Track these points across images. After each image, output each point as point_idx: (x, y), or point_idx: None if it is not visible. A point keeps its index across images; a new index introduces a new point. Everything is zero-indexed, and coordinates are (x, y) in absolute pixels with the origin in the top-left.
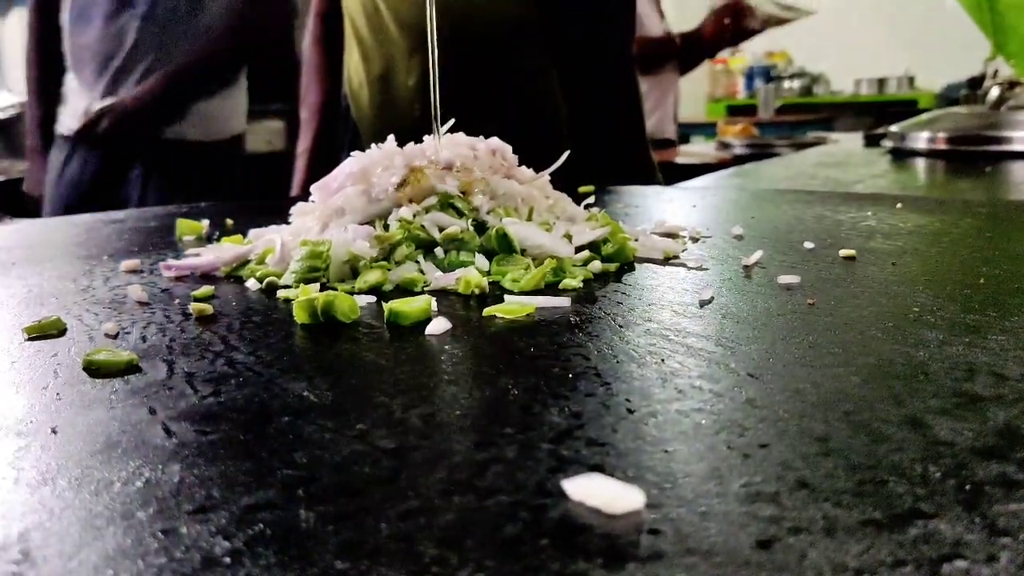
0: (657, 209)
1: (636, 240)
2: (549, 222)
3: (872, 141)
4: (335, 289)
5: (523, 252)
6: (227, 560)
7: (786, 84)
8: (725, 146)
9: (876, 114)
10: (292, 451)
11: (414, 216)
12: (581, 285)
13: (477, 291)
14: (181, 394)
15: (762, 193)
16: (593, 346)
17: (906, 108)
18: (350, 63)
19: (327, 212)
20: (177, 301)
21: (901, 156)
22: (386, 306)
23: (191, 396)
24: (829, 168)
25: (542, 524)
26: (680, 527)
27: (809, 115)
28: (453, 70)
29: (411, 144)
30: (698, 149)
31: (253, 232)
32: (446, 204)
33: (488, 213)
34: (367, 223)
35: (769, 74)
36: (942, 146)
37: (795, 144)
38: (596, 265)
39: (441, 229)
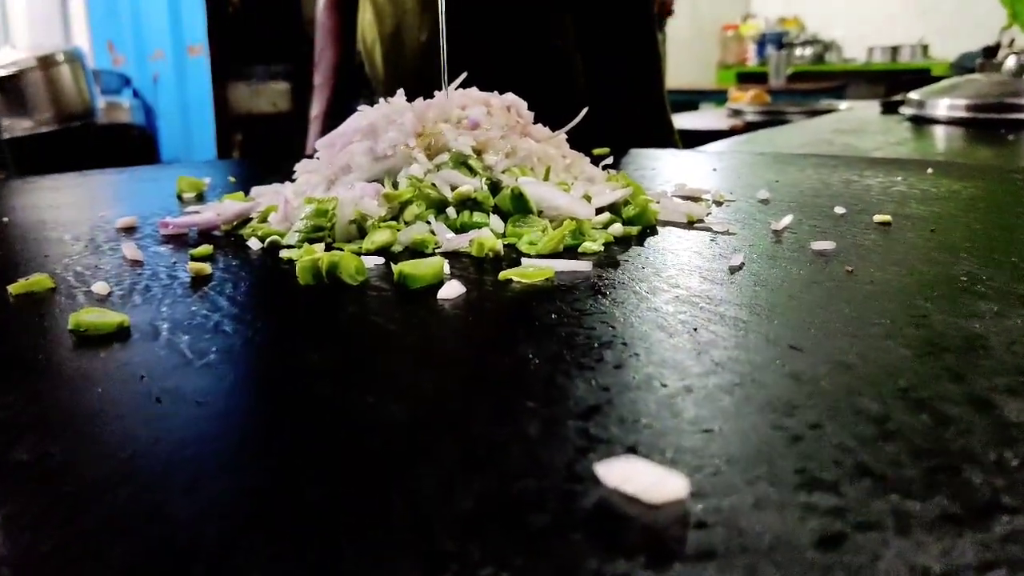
0: (675, 172)
1: (658, 203)
2: (567, 182)
3: (889, 108)
4: (341, 250)
5: (540, 214)
6: (222, 542)
7: (798, 51)
8: (736, 113)
9: (889, 83)
10: (295, 423)
11: (425, 174)
12: (602, 249)
13: (491, 254)
14: (174, 360)
15: (783, 157)
16: (619, 313)
17: (919, 77)
18: (363, 21)
19: (333, 169)
20: (173, 260)
21: (919, 123)
22: (396, 267)
23: (185, 363)
24: (846, 135)
25: (574, 514)
26: (732, 520)
27: (821, 83)
28: (466, 26)
29: (420, 99)
30: (708, 116)
31: (255, 189)
32: (459, 162)
33: (503, 172)
34: (375, 181)
35: (781, 41)
36: (962, 113)
37: (808, 112)
38: (617, 228)
39: (453, 188)
